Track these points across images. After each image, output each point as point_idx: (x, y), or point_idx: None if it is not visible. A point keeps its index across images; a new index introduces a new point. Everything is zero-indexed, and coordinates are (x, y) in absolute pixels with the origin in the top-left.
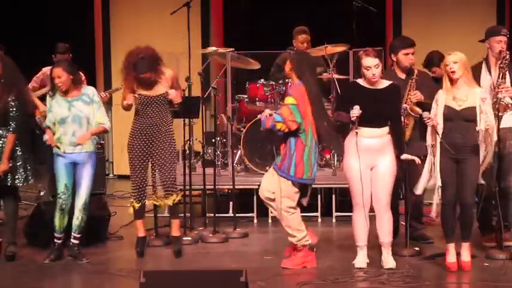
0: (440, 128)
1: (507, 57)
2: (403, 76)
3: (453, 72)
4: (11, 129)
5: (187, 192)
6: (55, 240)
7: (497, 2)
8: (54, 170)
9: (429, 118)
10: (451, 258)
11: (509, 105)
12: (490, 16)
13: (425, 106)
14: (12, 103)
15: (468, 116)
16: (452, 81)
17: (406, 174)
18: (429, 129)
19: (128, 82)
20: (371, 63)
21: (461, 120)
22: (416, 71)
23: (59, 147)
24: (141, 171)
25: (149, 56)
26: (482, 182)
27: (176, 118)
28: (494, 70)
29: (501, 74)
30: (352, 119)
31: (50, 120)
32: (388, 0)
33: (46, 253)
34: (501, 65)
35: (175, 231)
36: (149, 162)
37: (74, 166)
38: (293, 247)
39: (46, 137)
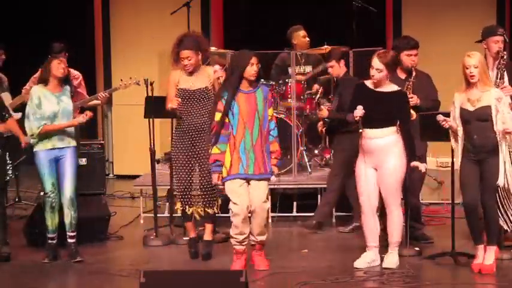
0: (460, 130)
1: (505, 57)
2: (403, 76)
3: (472, 76)
4: (7, 116)
5: None
6: (49, 241)
7: (497, 2)
8: (38, 169)
9: (444, 120)
10: (479, 260)
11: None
12: (490, 16)
13: (421, 109)
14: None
15: (482, 116)
16: (469, 83)
17: (407, 176)
18: (451, 132)
19: (173, 64)
20: (374, 63)
21: (475, 121)
22: (414, 74)
23: (87, 114)
24: (185, 174)
25: (196, 36)
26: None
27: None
28: (492, 70)
29: (499, 74)
30: (355, 119)
31: (42, 117)
32: (388, 0)
33: (44, 254)
34: (499, 66)
35: (207, 235)
36: (196, 165)
37: (56, 163)
38: (259, 248)
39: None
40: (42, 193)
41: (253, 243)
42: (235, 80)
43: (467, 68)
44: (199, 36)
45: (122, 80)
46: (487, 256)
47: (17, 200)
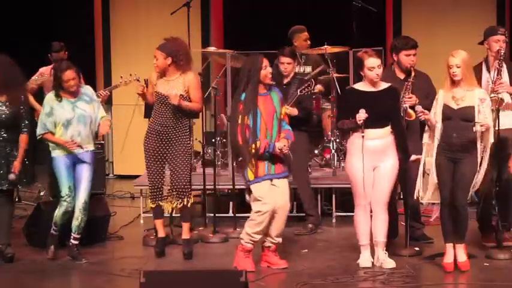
0: (439, 127)
1: (502, 52)
2: (402, 76)
3: (455, 75)
4: (24, 129)
5: None
6: (52, 231)
7: (497, 2)
8: (56, 173)
9: (422, 112)
10: (448, 258)
11: (502, 101)
12: (490, 16)
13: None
14: (22, 106)
15: (465, 115)
16: (454, 82)
17: (405, 176)
18: (427, 128)
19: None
20: (374, 63)
21: (458, 120)
22: (413, 73)
23: (81, 147)
24: (156, 172)
25: (175, 43)
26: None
27: None
28: (493, 69)
29: (497, 70)
30: (358, 122)
31: (49, 125)
32: (388, 0)
33: (46, 248)
34: (499, 62)
35: (185, 234)
36: (166, 163)
37: (74, 166)
38: (275, 248)
39: (74, 147)
40: (42, 193)
41: (269, 244)
42: (254, 85)
43: (450, 68)
44: (180, 45)
45: (122, 77)
46: (459, 253)
47: (17, 200)
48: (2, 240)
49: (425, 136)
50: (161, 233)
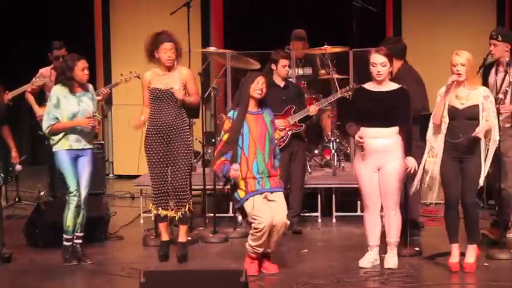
0: (445, 124)
1: (486, 60)
2: None
3: (459, 74)
4: None
5: None
6: (67, 243)
7: (497, 2)
8: (61, 169)
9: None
10: (453, 258)
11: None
12: (490, 16)
13: None
14: None
15: (470, 115)
16: (458, 81)
17: (406, 176)
18: (431, 126)
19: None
20: (377, 60)
21: (463, 119)
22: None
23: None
24: (160, 175)
25: (173, 35)
26: (481, 184)
27: None
28: (495, 71)
29: (499, 88)
30: (357, 142)
31: (59, 115)
32: (388, 0)
33: (64, 257)
34: (502, 71)
35: (182, 237)
36: (169, 165)
37: (75, 162)
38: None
39: (92, 122)
40: (42, 193)
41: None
42: (244, 100)
43: (454, 66)
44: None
45: (122, 74)
46: (468, 255)
47: (17, 200)
48: None
49: (429, 134)
50: (165, 237)
